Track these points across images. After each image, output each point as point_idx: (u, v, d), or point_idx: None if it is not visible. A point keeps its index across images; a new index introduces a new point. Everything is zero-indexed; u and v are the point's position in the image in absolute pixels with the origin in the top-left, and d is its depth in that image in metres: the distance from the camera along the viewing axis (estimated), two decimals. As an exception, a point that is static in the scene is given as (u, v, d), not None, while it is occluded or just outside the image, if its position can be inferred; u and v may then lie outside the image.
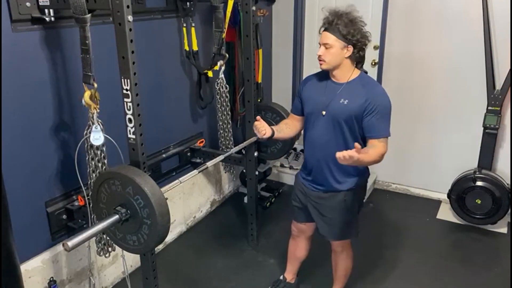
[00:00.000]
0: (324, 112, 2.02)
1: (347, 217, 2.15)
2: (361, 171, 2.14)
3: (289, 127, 2.27)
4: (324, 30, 1.94)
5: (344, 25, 1.89)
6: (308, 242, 2.46)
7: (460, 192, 3.21)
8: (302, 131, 2.27)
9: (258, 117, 2.16)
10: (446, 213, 3.46)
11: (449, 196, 3.30)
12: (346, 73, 2.00)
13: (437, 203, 3.63)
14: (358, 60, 2.01)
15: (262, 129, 2.11)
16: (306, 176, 2.21)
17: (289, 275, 2.60)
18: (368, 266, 2.83)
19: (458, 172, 3.32)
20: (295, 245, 2.50)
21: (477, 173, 3.16)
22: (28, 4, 1.90)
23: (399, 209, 3.60)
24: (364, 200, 2.24)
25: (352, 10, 1.95)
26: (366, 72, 2.08)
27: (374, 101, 1.93)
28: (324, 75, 2.09)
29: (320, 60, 1.96)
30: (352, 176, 2.10)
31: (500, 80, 3.13)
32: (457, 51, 3.30)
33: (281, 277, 2.61)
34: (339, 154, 1.73)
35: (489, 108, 3.13)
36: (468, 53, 3.25)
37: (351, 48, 1.94)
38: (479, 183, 3.14)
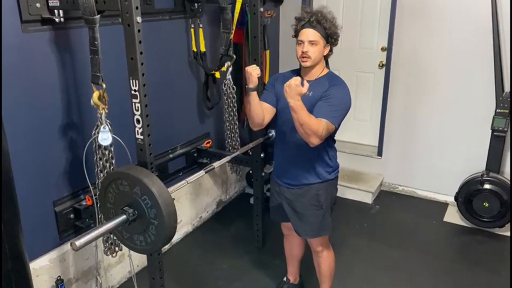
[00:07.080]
0: None
1: (320, 213, 2.17)
2: (331, 165, 2.17)
3: (260, 107, 2.10)
4: (309, 27, 1.97)
5: (329, 25, 1.96)
6: (301, 239, 2.46)
7: (468, 194, 3.19)
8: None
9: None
10: (453, 216, 3.44)
11: (456, 198, 3.28)
12: (318, 71, 2.07)
13: (444, 205, 3.61)
14: (327, 59, 2.10)
15: (257, 69, 2.03)
16: (280, 174, 2.24)
17: (292, 276, 2.60)
18: (374, 268, 2.83)
19: (466, 175, 3.30)
20: (289, 244, 2.52)
21: (485, 176, 3.14)
22: (38, 5, 1.91)
23: (405, 211, 3.58)
24: (335, 199, 2.27)
25: (330, 11, 2.01)
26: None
27: (332, 90, 1.97)
28: (294, 74, 2.13)
29: (304, 57, 1.99)
30: (323, 170, 2.13)
31: (509, 82, 3.11)
32: (466, 53, 3.29)
33: (285, 279, 2.62)
34: (287, 83, 1.80)
35: (498, 110, 3.11)
36: (477, 55, 3.23)
37: (328, 47, 2.02)
38: (486, 186, 3.12)
